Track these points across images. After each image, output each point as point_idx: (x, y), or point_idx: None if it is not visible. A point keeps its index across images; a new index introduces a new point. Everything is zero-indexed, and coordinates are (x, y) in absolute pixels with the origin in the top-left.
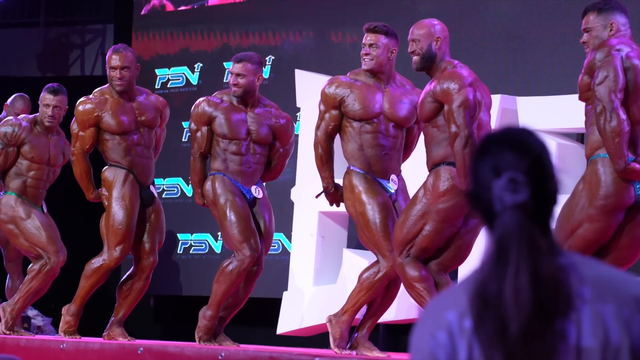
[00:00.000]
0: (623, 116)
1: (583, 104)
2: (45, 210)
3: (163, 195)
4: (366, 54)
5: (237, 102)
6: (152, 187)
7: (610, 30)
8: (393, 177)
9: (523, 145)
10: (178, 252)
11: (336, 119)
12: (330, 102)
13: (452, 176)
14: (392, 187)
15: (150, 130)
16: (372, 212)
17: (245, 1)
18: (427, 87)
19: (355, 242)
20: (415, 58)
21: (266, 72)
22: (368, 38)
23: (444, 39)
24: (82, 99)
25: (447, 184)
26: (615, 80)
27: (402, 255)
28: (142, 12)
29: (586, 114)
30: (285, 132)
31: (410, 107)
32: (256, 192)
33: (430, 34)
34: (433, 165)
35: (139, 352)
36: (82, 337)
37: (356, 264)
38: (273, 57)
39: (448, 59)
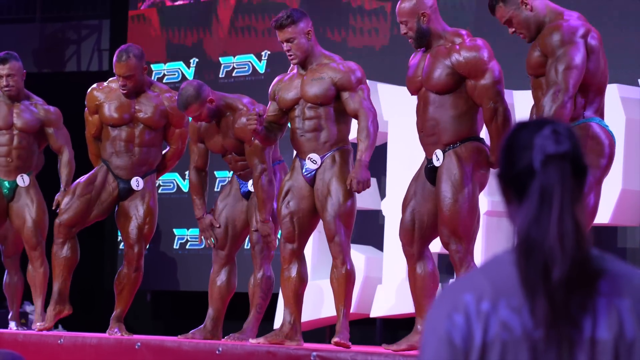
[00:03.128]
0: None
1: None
2: (25, 182)
3: (159, 191)
4: (288, 51)
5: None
6: (133, 181)
7: (525, 5)
8: (311, 156)
9: (558, 125)
10: (174, 247)
11: (273, 113)
12: (270, 98)
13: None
14: (309, 166)
15: (147, 128)
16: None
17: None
18: (440, 57)
19: (352, 237)
20: (410, 40)
21: (262, 67)
22: (281, 36)
23: (431, 11)
24: (94, 85)
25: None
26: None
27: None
28: (138, 7)
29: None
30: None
31: (327, 84)
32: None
33: (413, 11)
34: (463, 139)
35: (136, 347)
36: (80, 332)
37: (353, 258)
38: (269, 53)
39: (452, 30)
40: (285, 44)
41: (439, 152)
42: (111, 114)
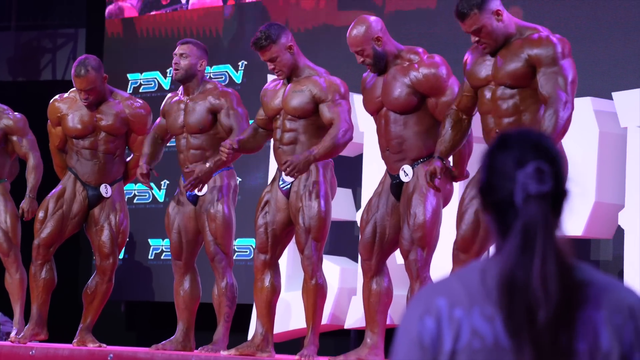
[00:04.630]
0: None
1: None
2: None
3: (134, 201)
4: (273, 69)
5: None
6: (102, 187)
7: (498, 15)
8: None
9: (543, 146)
10: (150, 257)
11: (261, 117)
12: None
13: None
14: (285, 179)
15: (110, 136)
16: None
17: (220, 7)
18: (398, 76)
19: (327, 249)
20: (368, 67)
21: (239, 77)
22: (263, 57)
23: (383, 33)
24: (55, 96)
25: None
26: None
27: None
28: (113, 17)
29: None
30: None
31: (305, 97)
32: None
33: (367, 38)
34: (430, 154)
35: (108, 358)
36: (52, 344)
37: (328, 269)
38: (246, 62)
39: (407, 48)
40: (269, 63)
41: (407, 168)
42: (75, 125)
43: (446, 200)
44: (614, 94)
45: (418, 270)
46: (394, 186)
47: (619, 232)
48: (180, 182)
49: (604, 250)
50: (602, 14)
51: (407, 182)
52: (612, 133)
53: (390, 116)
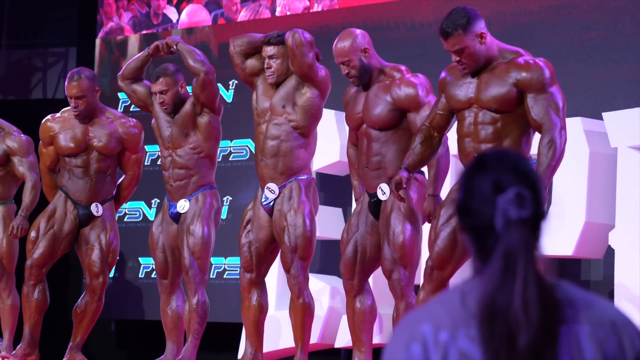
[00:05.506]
0: None
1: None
2: None
3: (125, 219)
4: (268, 68)
5: None
6: (93, 206)
7: (481, 38)
8: (269, 185)
9: (522, 169)
10: (140, 276)
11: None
12: None
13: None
14: (268, 195)
15: (102, 156)
16: None
17: (212, 25)
18: (380, 94)
19: (317, 267)
20: (352, 80)
21: (229, 96)
22: (268, 51)
23: (369, 46)
24: (47, 116)
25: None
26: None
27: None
28: (105, 36)
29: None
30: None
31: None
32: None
33: (355, 49)
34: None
35: None
36: None
37: (318, 288)
38: (236, 82)
39: (391, 65)
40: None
41: (384, 186)
42: (67, 143)
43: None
44: (604, 114)
45: (402, 289)
46: (372, 205)
47: (610, 252)
48: (165, 202)
49: (594, 270)
50: (592, 35)
51: (384, 201)
52: (603, 153)
53: (372, 134)
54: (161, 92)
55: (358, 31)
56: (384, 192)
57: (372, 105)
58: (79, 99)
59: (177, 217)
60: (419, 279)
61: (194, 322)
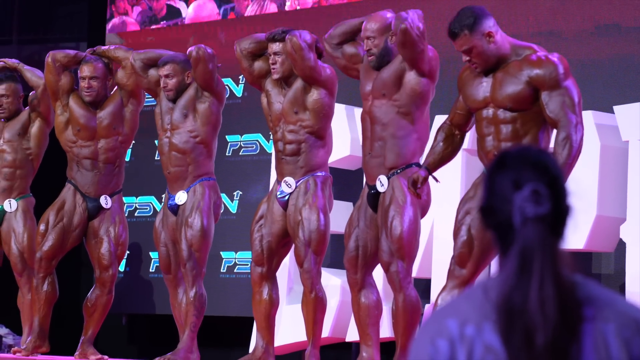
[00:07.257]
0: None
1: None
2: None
3: (135, 214)
4: (274, 64)
5: None
6: (102, 199)
7: (489, 37)
8: (287, 179)
9: (542, 164)
10: (151, 270)
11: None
12: None
13: None
14: (284, 189)
15: (108, 140)
16: None
17: (220, 20)
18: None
19: (328, 261)
20: (370, 57)
21: (239, 90)
22: (273, 47)
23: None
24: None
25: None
26: None
27: None
28: (116, 30)
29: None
30: None
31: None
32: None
33: (385, 29)
34: (407, 165)
35: None
36: (54, 356)
37: (330, 282)
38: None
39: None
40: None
41: (383, 178)
42: (75, 132)
43: (424, 211)
44: (615, 108)
45: (400, 282)
46: (371, 196)
47: (621, 246)
48: (166, 194)
49: (605, 263)
50: (605, 27)
51: (383, 193)
52: (614, 146)
53: (375, 113)
54: (166, 76)
55: (390, 13)
56: (382, 183)
57: (391, 79)
58: (92, 79)
59: (176, 209)
60: (419, 272)
61: (190, 315)
